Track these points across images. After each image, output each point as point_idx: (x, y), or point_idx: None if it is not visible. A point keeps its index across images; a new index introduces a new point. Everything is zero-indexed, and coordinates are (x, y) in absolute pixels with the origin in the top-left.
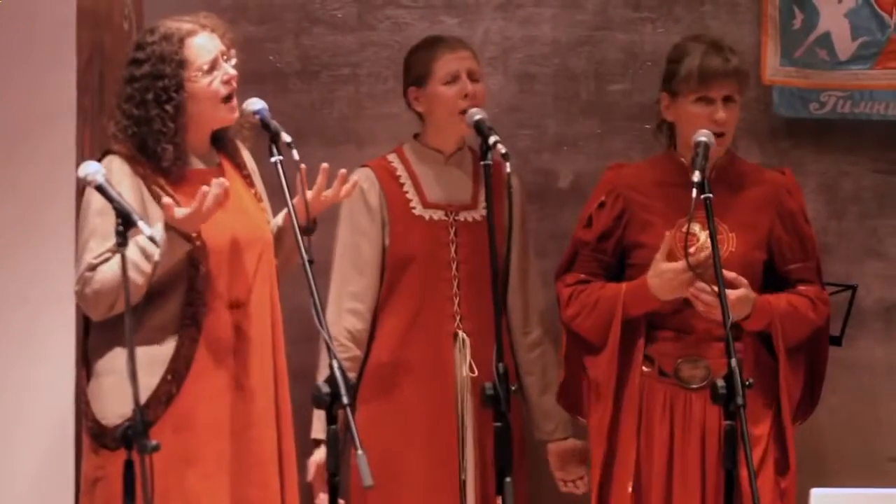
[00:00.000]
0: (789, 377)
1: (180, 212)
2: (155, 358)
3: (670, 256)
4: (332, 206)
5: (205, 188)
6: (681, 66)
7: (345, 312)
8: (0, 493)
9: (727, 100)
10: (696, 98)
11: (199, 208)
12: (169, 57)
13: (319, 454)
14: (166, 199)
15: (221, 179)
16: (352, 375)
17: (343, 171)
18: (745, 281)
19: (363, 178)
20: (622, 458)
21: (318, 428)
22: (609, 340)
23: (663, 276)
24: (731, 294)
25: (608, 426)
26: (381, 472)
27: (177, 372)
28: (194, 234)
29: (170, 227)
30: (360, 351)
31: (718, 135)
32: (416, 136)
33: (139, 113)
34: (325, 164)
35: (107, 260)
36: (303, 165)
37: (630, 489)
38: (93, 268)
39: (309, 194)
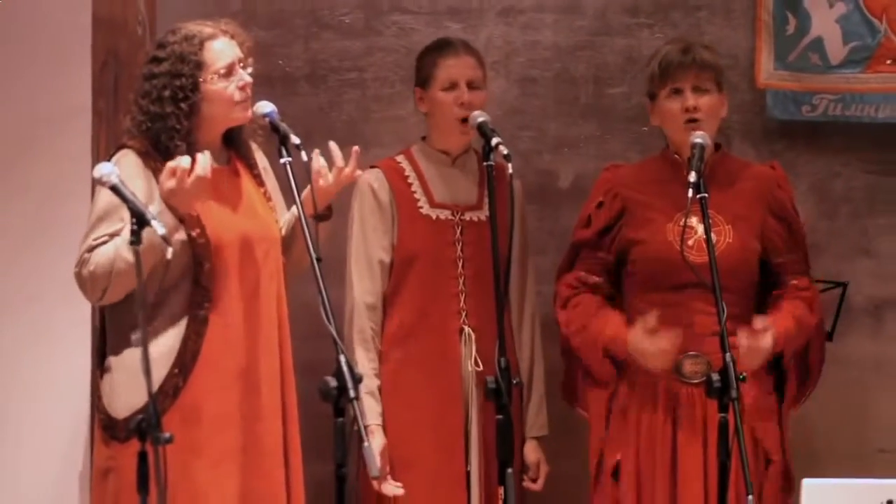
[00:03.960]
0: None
1: (169, 184)
2: (162, 352)
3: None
4: (340, 191)
5: (186, 161)
6: (649, 68)
7: (367, 309)
8: (17, 487)
9: (698, 90)
10: (667, 94)
11: (183, 184)
12: (188, 57)
13: (377, 440)
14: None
15: (206, 153)
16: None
17: (356, 147)
18: (770, 333)
19: (373, 178)
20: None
21: (368, 415)
22: (593, 370)
23: (645, 353)
24: (753, 344)
25: (605, 411)
26: (388, 464)
27: (183, 365)
28: (186, 215)
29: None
30: (380, 347)
31: (692, 120)
32: (424, 139)
33: (155, 109)
34: (356, 147)
35: (104, 243)
36: (316, 151)
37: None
38: (91, 249)
39: (321, 181)
